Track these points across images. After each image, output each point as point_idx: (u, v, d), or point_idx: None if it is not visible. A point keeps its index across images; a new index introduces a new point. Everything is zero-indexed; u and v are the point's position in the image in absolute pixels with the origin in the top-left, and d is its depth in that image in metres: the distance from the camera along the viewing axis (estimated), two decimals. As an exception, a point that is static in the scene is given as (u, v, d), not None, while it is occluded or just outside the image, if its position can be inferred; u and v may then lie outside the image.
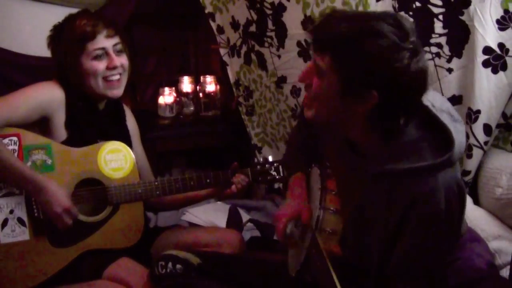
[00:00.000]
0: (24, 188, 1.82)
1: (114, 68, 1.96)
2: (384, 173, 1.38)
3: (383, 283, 1.46)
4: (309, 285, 1.59)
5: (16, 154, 1.83)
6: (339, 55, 1.30)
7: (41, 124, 1.92)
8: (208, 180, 2.06)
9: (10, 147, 1.83)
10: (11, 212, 1.84)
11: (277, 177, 2.16)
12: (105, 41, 1.95)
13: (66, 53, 1.92)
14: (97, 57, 1.94)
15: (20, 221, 1.85)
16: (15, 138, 1.84)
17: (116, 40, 1.97)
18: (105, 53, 1.95)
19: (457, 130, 1.37)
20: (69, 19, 1.96)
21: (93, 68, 1.93)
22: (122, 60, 1.98)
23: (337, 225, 1.57)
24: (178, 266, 1.73)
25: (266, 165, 2.15)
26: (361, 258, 1.50)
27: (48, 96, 1.91)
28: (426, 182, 1.32)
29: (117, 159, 1.99)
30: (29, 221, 1.85)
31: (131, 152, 2.03)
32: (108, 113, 2.09)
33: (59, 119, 1.93)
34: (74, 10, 2.03)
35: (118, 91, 2.01)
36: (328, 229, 1.56)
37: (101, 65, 1.94)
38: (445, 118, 1.39)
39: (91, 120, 2.01)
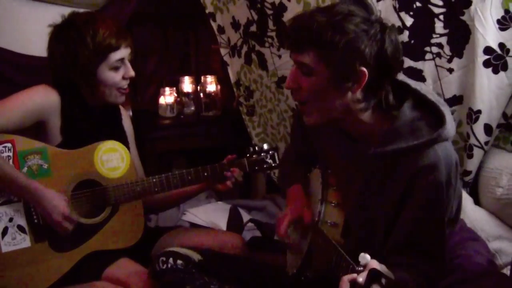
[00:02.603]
0: (22, 197, 1.82)
1: (130, 78, 1.98)
2: (385, 153, 1.44)
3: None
4: (308, 281, 1.63)
5: (11, 160, 1.82)
6: (323, 46, 1.37)
7: (36, 129, 1.92)
8: (205, 173, 2.05)
9: (5, 154, 1.81)
10: (11, 220, 1.83)
11: (273, 164, 2.17)
12: (124, 51, 1.95)
13: (85, 61, 1.89)
14: (115, 68, 1.94)
15: (20, 228, 1.84)
16: (9, 145, 1.83)
17: (130, 49, 1.98)
18: (121, 62, 1.96)
19: (447, 110, 1.46)
20: (83, 24, 1.91)
21: (112, 80, 1.95)
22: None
23: (339, 218, 1.63)
24: (179, 261, 1.73)
25: (262, 154, 2.16)
26: (365, 244, 1.53)
27: (43, 100, 1.90)
28: (427, 154, 1.41)
29: (113, 159, 1.98)
30: (29, 228, 1.84)
31: (127, 151, 2.02)
32: (104, 115, 2.07)
33: (55, 123, 1.93)
34: (74, 10, 2.02)
35: (124, 97, 2.03)
36: (330, 221, 1.61)
37: (118, 76, 1.96)
38: (433, 97, 1.49)
39: (87, 123, 2.00)
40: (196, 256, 1.77)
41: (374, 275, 1.16)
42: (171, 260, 1.73)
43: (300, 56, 1.42)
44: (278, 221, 1.74)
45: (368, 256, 1.20)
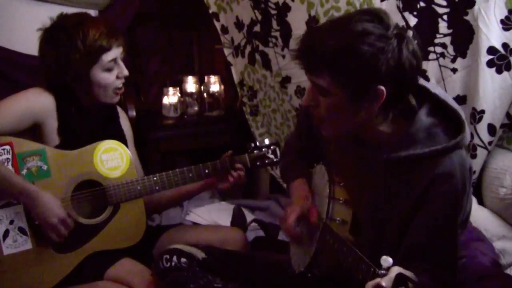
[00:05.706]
0: (19, 200, 1.81)
1: (125, 77, 1.98)
2: (400, 159, 1.41)
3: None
4: (315, 279, 1.62)
5: (10, 162, 1.81)
6: (337, 70, 1.33)
7: (33, 131, 1.91)
8: (206, 171, 2.04)
9: (3, 156, 1.81)
10: (11, 222, 1.82)
11: (274, 159, 2.16)
12: (116, 51, 1.94)
13: (77, 64, 1.88)
14: (109, 69, 1.93)
15: (21, 230, 1.83)
16: (7, 147, 1.82)
17: (122, 48, 1.97)
18: (114, 62, 1.95)
19: (463, 116, 1.43)
20: (72, 27, 1.89)
21: (107, 81, 1.93)
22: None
23: (347, 215, 1.60)
24: (183, 260, 1.74)
25: (263, 149, 2.15)
26: (375, 245, 1.51)
27: (37, 103, 1.90)
28: (443, 163, 1.37)
29: (113, 158, 1.97)
30: (30, 229, 1.84)
31: (127, 150, 2.01)
32: (101, 114, 2.07)
33: (51, 125, 1.92)
34: (75, 10, 2.01)
35: (118, 97, 2.03)
36: (338, 219, 1.59)
37: (112, 77, 1.95)
38: (453, 103, 1.45)
39: (84, 123, 1.99)
40: (200, 254, 1.77)
41: (400, 279, 1.13)
42: (175, 258, 1.74)
43: (315, 78, 1.39)
44: (285, 215, 1.68)
45: (390, 259, 1.17)
